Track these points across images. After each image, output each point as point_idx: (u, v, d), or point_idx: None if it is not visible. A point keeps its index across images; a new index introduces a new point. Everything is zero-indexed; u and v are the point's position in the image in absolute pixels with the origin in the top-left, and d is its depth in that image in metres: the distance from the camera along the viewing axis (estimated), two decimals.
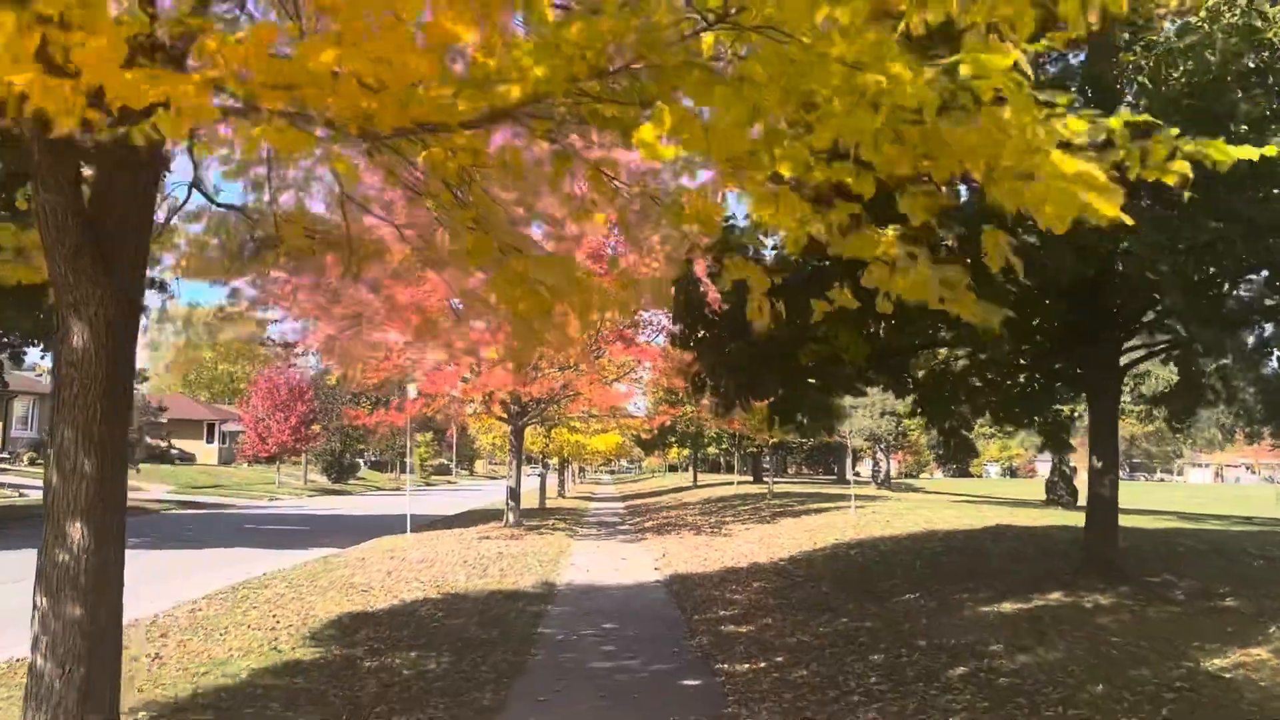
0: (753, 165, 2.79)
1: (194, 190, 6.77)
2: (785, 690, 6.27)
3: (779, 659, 7.15)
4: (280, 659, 7.25)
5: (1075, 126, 2.60)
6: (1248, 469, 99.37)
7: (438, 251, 4.81)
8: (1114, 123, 2.65)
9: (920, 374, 11.09)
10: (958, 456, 11.55)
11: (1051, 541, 12.86)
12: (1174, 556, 11.05)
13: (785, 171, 2.86)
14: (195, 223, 6.71)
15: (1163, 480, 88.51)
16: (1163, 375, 25.06)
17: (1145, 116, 2.70)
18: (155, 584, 11.87)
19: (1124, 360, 9.80)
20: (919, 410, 11.61)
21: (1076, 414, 15.40)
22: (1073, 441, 15.61)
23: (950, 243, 3.11)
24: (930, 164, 2.71)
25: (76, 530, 3.69)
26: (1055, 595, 8.66)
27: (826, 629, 8.30)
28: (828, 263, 6.89)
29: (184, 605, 9.94)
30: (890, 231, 3.03)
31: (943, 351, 11.72)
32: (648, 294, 4.32)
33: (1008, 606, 8.49)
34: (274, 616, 9.14)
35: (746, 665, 7.00)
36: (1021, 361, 10.08)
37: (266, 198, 5.86)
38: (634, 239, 3.78)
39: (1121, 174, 2.64)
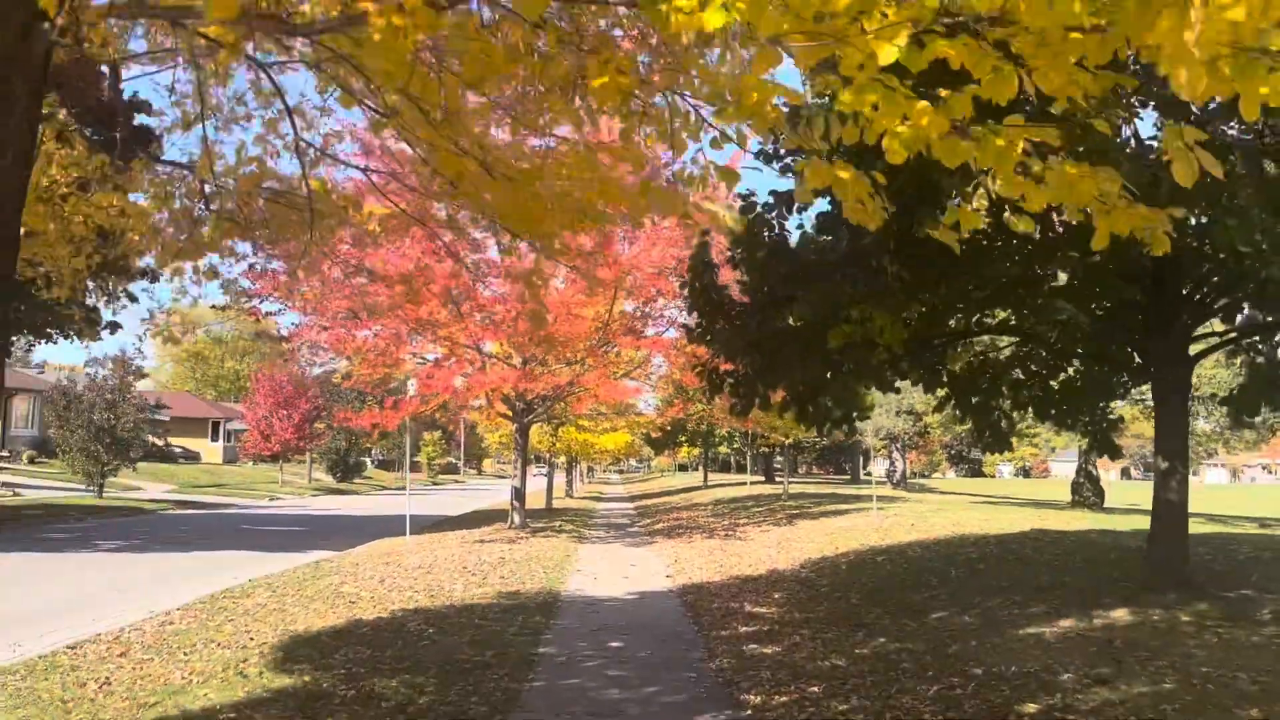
0: (843, 37, 1.92)
1: (141, 149, 5.86)
2: None
3: (813, 689, 6.22)
4: (245, 686, 6.37)
5: None
6: (1264, 469, 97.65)
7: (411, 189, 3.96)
8: None
9: (957, 366, 10.09)
10: (995, 448, 10.49)
11: (1096, 549, 11.89)
12: (1237, 566, 10.08)
13: (882, 54, 1.96)
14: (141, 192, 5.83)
15: None
16: (1207, 371, 23.98)
17: None
18: (132, 591, 11.06)
19: (1194, 350, 8.82)
20: (952, 404, 10.58)
21: (1113, 414, 14.33)
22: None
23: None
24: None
25: None
26: (1120, 612, 7.71)
27: (863, 650, 7.37)
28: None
29: (155, 617, 9.10)
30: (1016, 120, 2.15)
31: (979, 345, 10.75)
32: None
33: (1066, 625, 7.54)
34: (249, 633, 8.27)
35: (777, 696, 6.08)
36: (1077, 349, 9.10)
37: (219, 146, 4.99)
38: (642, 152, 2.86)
39: None
